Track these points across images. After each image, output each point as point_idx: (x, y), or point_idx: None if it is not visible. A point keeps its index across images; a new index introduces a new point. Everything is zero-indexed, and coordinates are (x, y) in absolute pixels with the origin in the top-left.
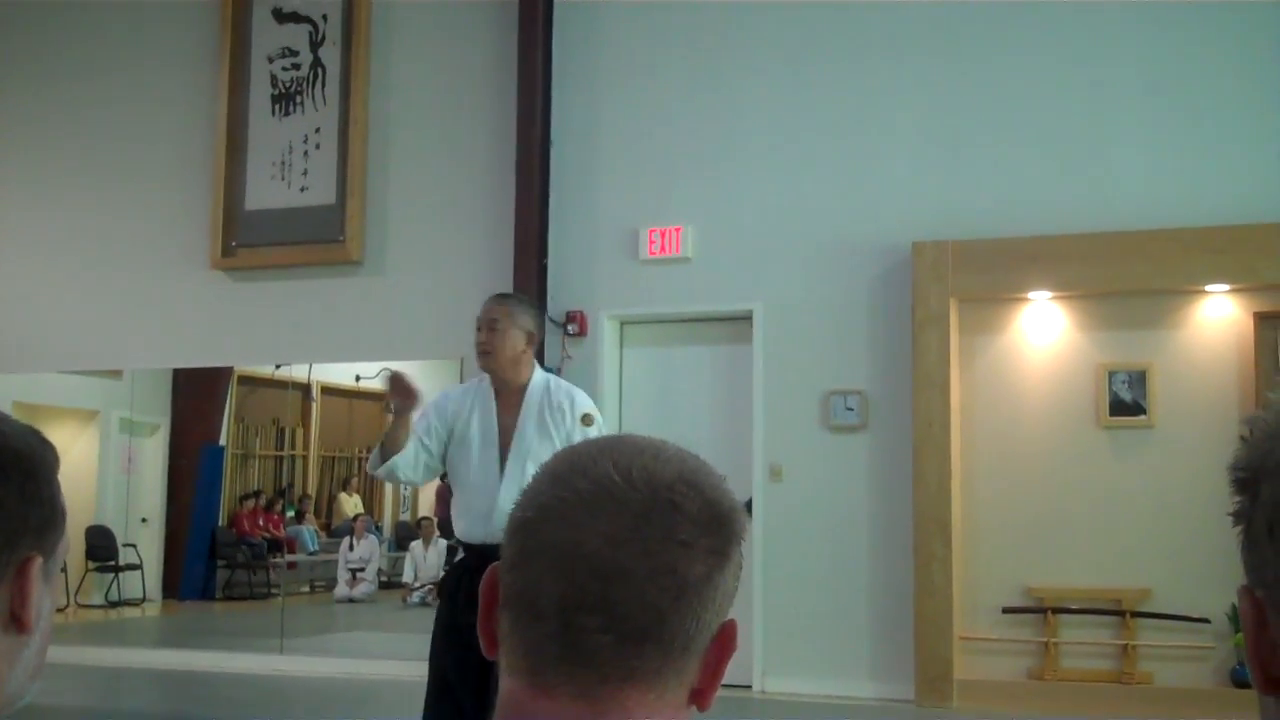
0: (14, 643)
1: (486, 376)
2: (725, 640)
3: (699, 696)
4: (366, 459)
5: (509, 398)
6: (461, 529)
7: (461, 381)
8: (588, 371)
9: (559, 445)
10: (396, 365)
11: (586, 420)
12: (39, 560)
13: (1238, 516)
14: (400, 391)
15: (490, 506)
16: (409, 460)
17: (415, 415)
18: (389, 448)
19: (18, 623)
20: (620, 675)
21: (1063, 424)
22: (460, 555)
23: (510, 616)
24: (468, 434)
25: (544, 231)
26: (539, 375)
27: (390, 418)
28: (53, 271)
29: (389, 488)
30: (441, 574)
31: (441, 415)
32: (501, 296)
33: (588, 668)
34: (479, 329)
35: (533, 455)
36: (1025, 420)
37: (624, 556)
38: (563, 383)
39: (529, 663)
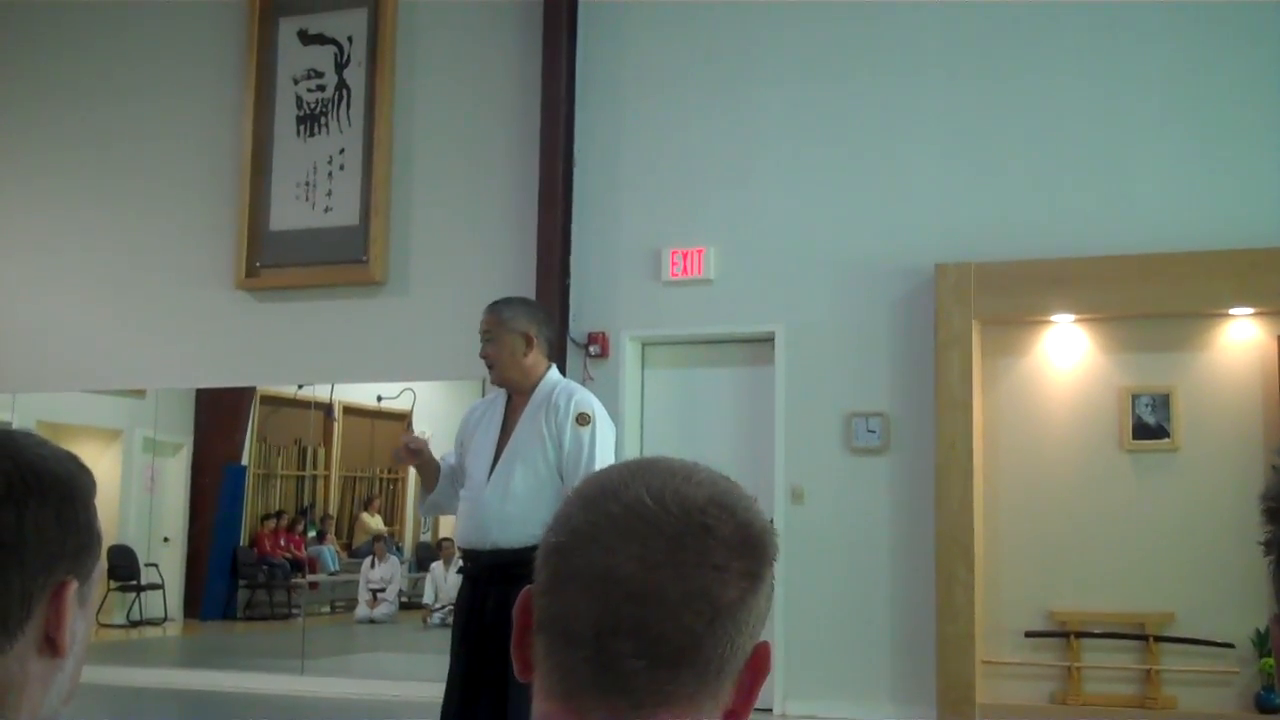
0: (48, 666)
1: None
2: (759, 662)
3: (732, 717)
4: (388, 479)
5: (519, 402)
6: (455, 533)
7: None
8: (609, 393)
9: (549, 445)
10: (418, 385)
11: (582, 420)
12: (74, 585)
13: (1269, 546)
14: (407, 458)
15: (473, 507)
16: (446, 492)
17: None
18: (425, 487)
19: (52, 646)
20: (654, 700)
21: (1086, 447)
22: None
23: (545, 641)
24: (473, 441)
25: (566, 253)
26: (550, 377)
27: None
28: (77, 291)
29: (410, 508)
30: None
31: (460, 432)
32: (494, 304)
33: (622, 693)
34: (482, 344)
35: (521, 456)
36: (1048, 443)
37: (658, 580)
38: (572, 384)
39: (564, 687)
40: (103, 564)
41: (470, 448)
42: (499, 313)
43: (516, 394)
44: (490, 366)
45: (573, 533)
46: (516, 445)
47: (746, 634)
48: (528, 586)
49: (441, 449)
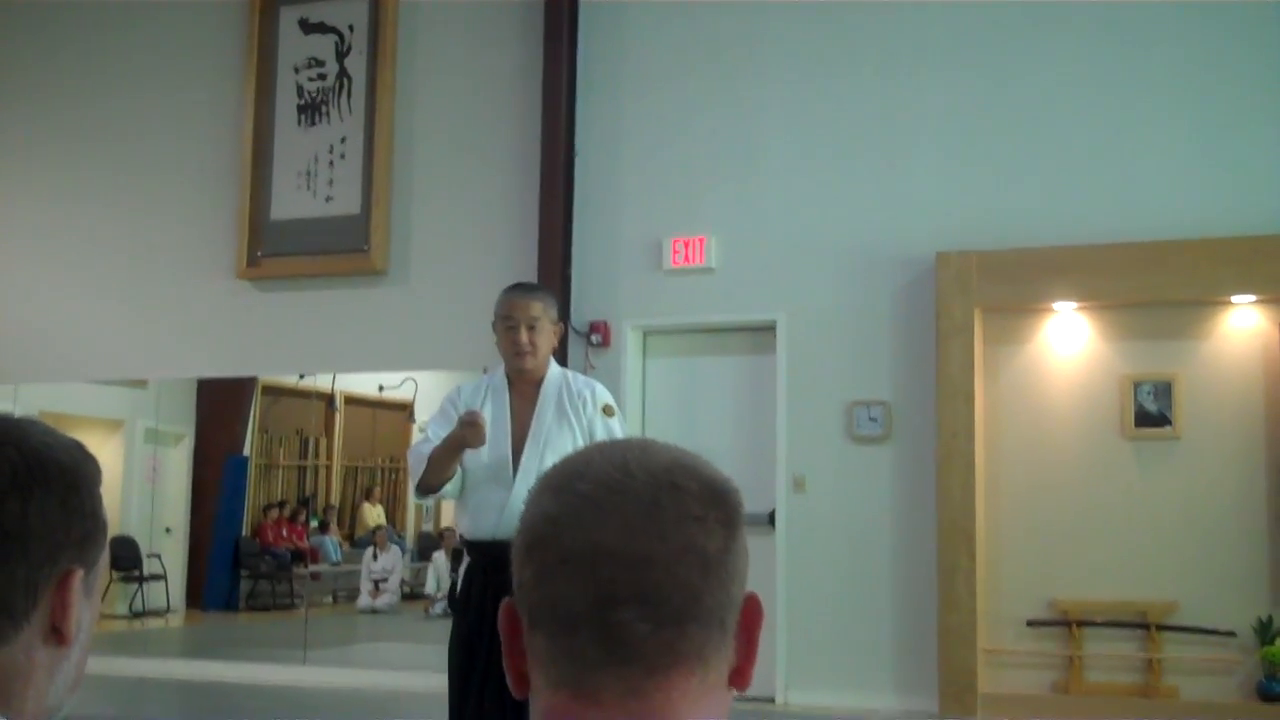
0: (54, 655)
1: (499, 369)
2: (752, 612)
3: (738, 675)
4: (389, 469)
5: (524, 389)
6: (468, 525)
7: None
8: (611, 382)
9: (579, 434)
10: (420, 375)
11: (608, 411)
12: (80, 573)
13: None
14: (473, 431)
15: (504, 498)
16: (455, 481)
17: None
18: (436, 473)
19: (58, 635)
20: (666, 663)
21: (1088, 435)
22: (465, 562)
23: (544, 634)
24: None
25: (568, 242)
26: (554, 366)
27: (420, 431)
28: (79, 282)
29: (412, 498)
30: (449, 584)
31: (454, 409)
32: (530, 289)
33: (632, 662)
34: (515, 327)
35: (551, 444)
36: (1050, 432)
37: (644, 544)
38: (579, 374)
39: (573, 673)
40: (109, 553)
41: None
42: (543, 301)
43: (524, 382)
44: (526, 354)
45: (550, 521)
46: (543, 433)
47: (737, 584)
48: (507, 599)
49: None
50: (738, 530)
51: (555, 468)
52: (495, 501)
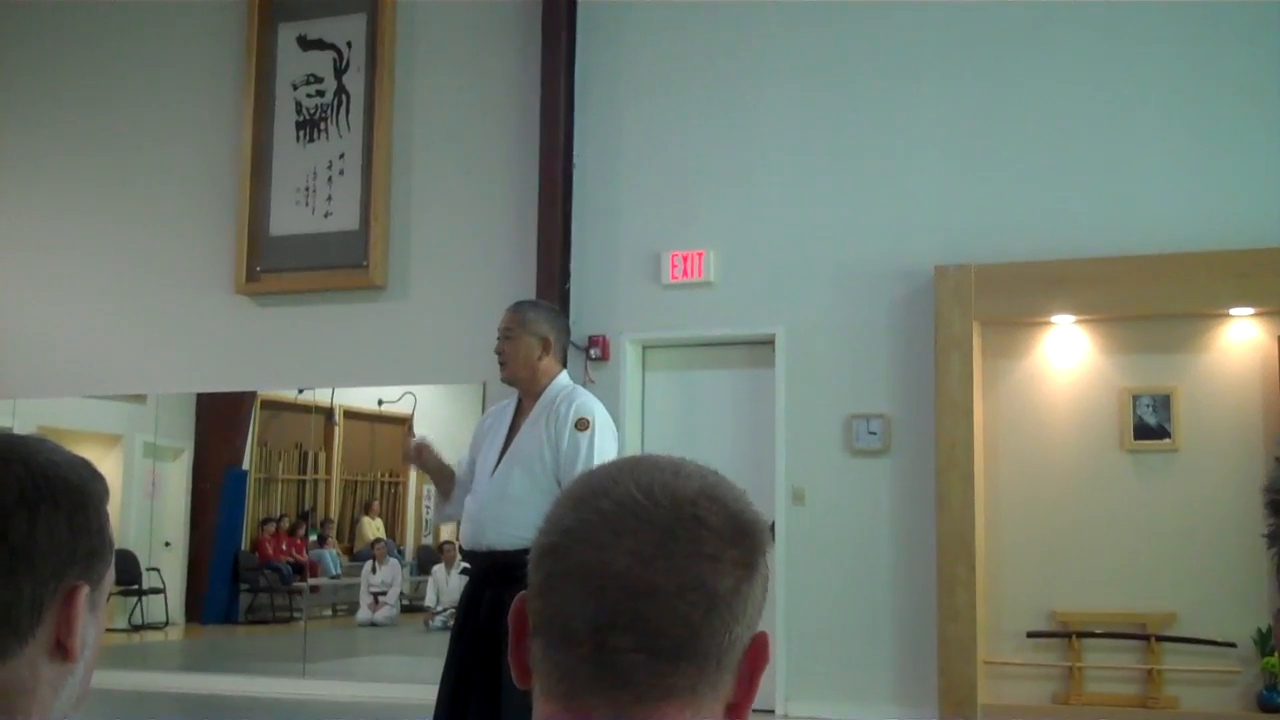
0: (59, 670)
1: None
2: (758, 652)
3: (735, 711)
4: (389, 482)
5: (528, 406)
6: (459, 534)
7: (483, 406)
8: (610, 396)
9: (548, 449)
10: (419, 389)
11: (581, 425)
12: (86, 590)
13: (1272, 539)
14: (418, 459)
15: (472, 509)
16: (460, 502)
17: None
18: (442, 495)
19: (63, 651)
20: (656, 694)
21: (1087, 448)
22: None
23: (542, 642)
24: (483, 444)
25: (566, 256)
26: (559, 383)
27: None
28: (77, 297)
29: (411, 511)
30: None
31: (474, 437)
32: (517, 304)
33: (623, 688)
34: (497, 339)
35: (521, 459)
36: (1049, 444)
37: (653, 574)
38: (578, 390)
39: (564, 687)
40: (114, 570)
41: (480, 451)
42: (522, 313)
43: (526, 397)
44: (502, 364)
45: (564, 533)
46: (518, 448)
47: (744, 623)
48: (521, 592)
49: (444, 455)
50: (755, 570)
51: (583, 479)
52: (466, 513)
